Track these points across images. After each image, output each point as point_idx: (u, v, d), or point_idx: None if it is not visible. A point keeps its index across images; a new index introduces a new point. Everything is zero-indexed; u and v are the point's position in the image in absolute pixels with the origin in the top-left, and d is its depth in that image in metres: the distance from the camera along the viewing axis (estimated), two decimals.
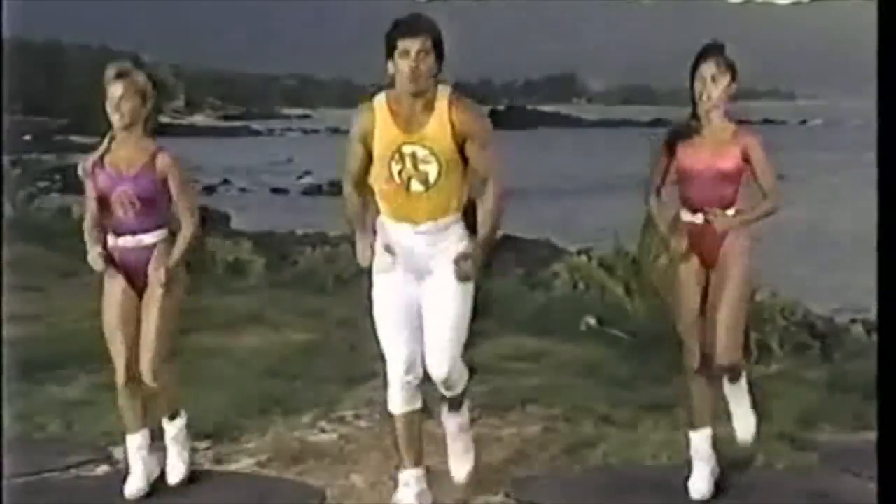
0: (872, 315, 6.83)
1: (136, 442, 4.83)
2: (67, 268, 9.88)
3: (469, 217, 4.43)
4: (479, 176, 4.36)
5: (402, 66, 4.18)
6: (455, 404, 4.72)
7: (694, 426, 4.76)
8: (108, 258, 4.66)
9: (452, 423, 4.76)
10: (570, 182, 43.23)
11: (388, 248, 4.40)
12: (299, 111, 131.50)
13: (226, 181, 45.99)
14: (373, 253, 4.40)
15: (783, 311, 7.47)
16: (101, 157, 4.67)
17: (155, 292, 4.65)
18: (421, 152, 4.26)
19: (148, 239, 4.68)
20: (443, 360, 4.39)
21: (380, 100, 4.32)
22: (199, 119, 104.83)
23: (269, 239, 17.11)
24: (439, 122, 4.25)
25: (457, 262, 4.35)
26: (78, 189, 4.92)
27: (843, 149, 54.62)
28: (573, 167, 50.24)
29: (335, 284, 10.32)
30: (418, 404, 4.50)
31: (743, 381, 4.87)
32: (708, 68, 4.55)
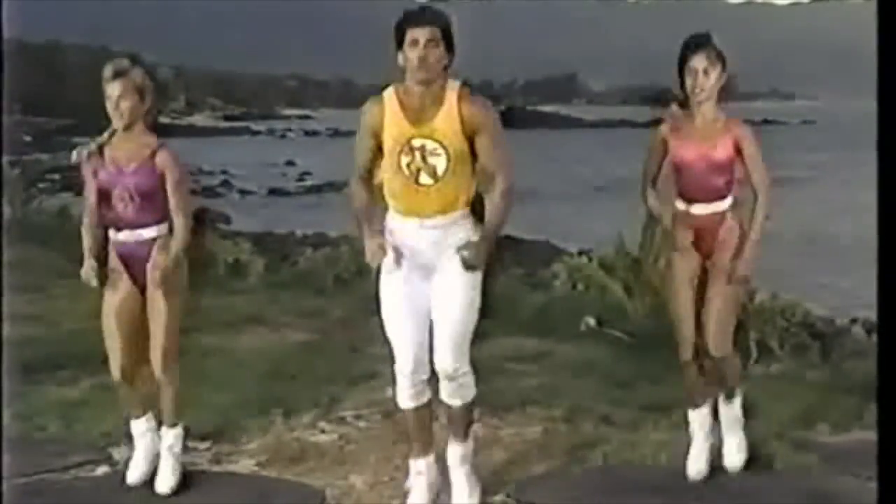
0: (872, 315, 6.83)
1: (140, 427, 4.85)
2: (67, 268, 9.83)
3: (477, 214, 4.41)
4: (488, 170, 4.35)
5: (410, 56, 4.17)
6: (460, 430, 4.58)
7: (694, 406, 4.89)
8: (104, 270, 4.67)
9: (455, 453, 4.61)
10: (570, 183, 43.16)
11: (396, 250, 4.39)
12: (299, 112, 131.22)
13: (226, 182, 45.98)
14: (384, 252, 4.36)
15: (783, 311, 7.47)
16: (101, 152, 4.67)
17: (158, 288, 4.67)
18: (430, 145, 4.26)
19: (147, 234, 4.68)
20: (448, 352, 4.37)
21: (389, 92, 4.31)
22: (199, 119, 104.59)
23: (269, 239, 17.13)
24: (448, 116, 4.24)
25: (461, 250, 4.32)
26: (77, 190, 4.91)
27: (843, 149, 54.54)
28: (573, 168, 50.17)
29: (335, 284, 10.31)
30: (427, 398, 4.51)
31: (738, 402, 4.91)
32: (699, 61, 4.55)
